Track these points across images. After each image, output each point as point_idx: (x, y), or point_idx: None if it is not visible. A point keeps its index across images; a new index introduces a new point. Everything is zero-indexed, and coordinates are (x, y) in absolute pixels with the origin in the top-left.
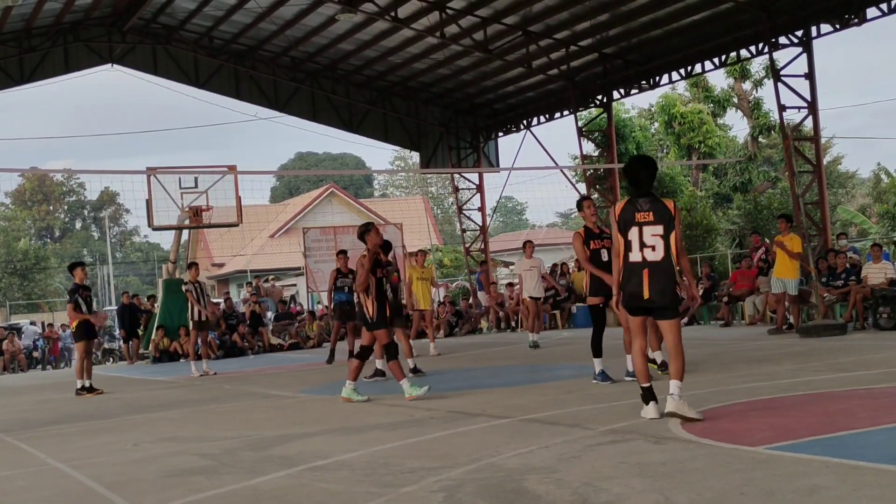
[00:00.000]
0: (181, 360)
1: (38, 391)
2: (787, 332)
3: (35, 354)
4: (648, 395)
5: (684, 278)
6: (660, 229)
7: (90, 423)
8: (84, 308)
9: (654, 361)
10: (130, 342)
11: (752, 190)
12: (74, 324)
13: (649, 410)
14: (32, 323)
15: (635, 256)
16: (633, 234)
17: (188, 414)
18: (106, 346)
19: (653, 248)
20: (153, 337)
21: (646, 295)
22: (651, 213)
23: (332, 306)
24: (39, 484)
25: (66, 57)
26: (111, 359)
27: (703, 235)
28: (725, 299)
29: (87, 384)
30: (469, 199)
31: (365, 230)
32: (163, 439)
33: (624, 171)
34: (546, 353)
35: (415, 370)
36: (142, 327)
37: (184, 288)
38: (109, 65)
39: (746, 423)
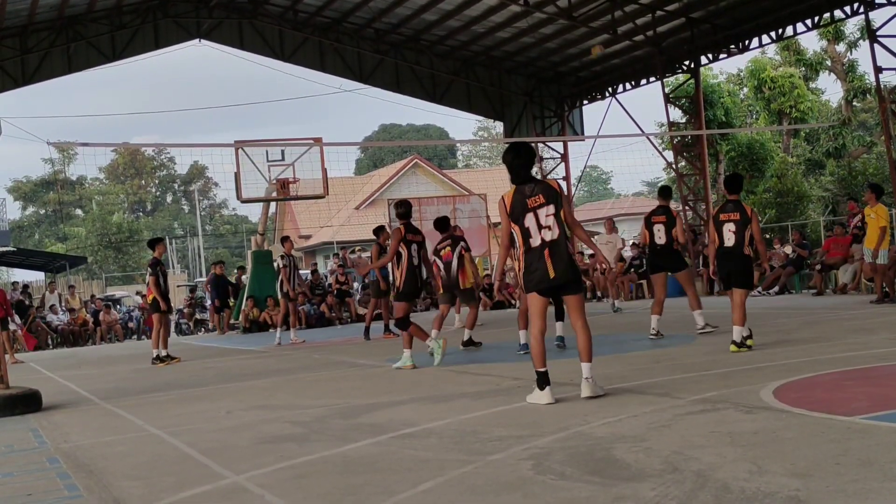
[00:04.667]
0: (270, 331)
1: (133, 360)
2: (887, 301)
3: (130, 325)
4: (543, 381)
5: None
6: (552, 209)
7: (184, 392)
8: (162, 284)
9: (742, 343)
10: (222, 313)
11: (847, 155)
12: (151, 297)
13: (543, 396)
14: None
15: (535, 241)
16: (530, 219)
17: (278, 383)
18: (197, 316)
19: (549, 227)
20: (243, 307)
21: (551, 274)
22: (541, 196)
23: (369, 282)
24: (138, 449)
25: (156, 33)
26: (202, 329)
27: (795, 203)
28: (818, 267)
29: (162, 353)
30: (554, 169)
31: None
32: (254, 407)
33: (503, 161)
34: (632, 322)
35: (469, 342)
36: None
37: (281, 262)
38: (197, 40)
39: (841, 393)
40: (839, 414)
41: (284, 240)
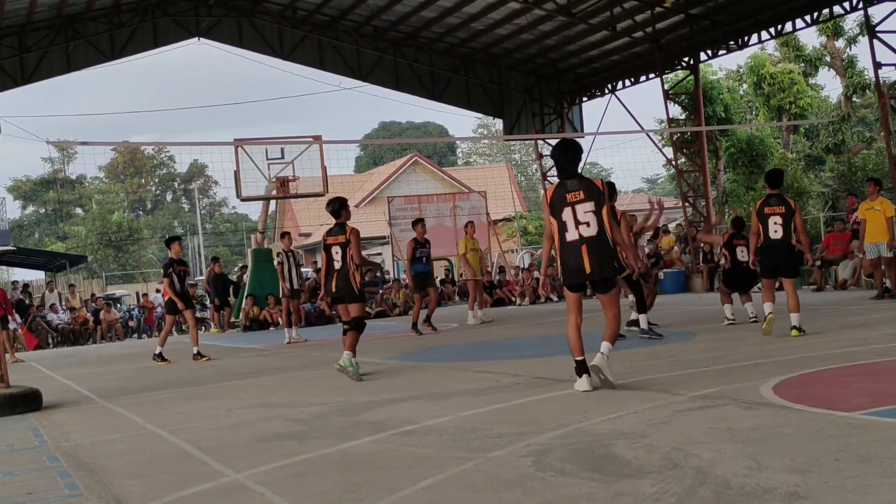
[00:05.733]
0: (271, 329)
1: (134, 359)
2: (888, 297)
3: (131, 324)
4: (581, 369)
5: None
6: (591, 206)
7: (185, 390)
8: (177, 284)
9: (800, 327)
10: (222, 311)
11: (846, 151)
12: (167, 297)
13: (581, 383)
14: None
15: (572, 235)
16: (567, 214)
17: (279, 380)
18: (198, 315)
19: (587, 224)
20: (243, 306)
21: (587, 270)
22: (581, 192)
23: (410, 278)
24: (139, 448)
25: (155, 32)
26: (203, 328)
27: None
28: (818, 263)
29: (157, 351)
30: (553, 166)
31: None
32: (255, 405)
33: (551, 156)
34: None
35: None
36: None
37: (276, 259)
38: (196, 38)
39: (841, 389)
40: (839, 410)
41: (283, 236)
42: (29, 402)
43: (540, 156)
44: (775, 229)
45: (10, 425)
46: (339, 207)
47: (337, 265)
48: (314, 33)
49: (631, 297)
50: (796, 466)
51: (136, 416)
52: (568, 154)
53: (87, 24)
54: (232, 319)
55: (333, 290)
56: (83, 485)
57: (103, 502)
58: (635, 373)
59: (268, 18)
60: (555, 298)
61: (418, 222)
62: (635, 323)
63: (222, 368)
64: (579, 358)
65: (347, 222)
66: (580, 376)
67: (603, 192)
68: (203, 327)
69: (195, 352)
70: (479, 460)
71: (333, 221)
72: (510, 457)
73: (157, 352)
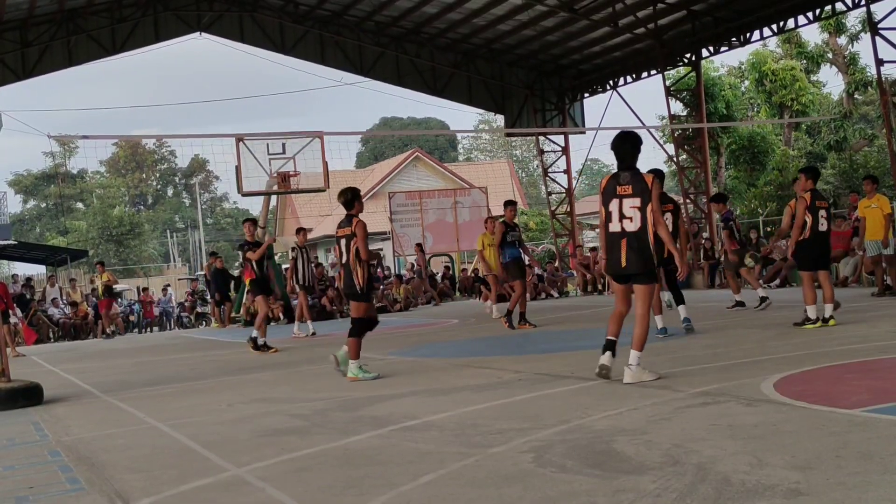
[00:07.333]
0: (272, 324)
1: (134, 354)
2: (888, 295)
3: (131, 318)
4: (606, 346)
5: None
6: (637, 202)
7: (185, 385)
8: (255, 267)
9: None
10: (223, 306)
11: (848, 148)
12: (248, 280)
13: (602, 357)
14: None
15: (615, 227)
16: (614, 205)
17: (280, 376)
18: (199, 309)
19: (630, 219)
20: (244, 301)
21: (623, 263)
22: (630, 187)
23: (502, 264)
24: (139, 442)
25: (156, 26)
26: (203, 322)
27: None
28: None
29: (261, 341)
30: (554, 162)
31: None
32: (255, 400)
33: (611, 147)
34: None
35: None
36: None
37: (290, 254)
38: (198, 33)
39: (842, 386)
40: (840, 407)
41: (298, 231)
42: (30, 396)
43: (541, 151)
44: (822, 223)
45: (11, 419)
46: (351, 198)
47: (343, 258)
48: (316, 28)
49: (668, 296)
50: (797, 463)
51: (137, 410)
52: (626, 144)
53: (88, 18)
54: (232, 314)
55: (341, 285)
56: (84, 479)
57: (104, 496)
58: None
59: (269, 13)
60: (555, 295)
61: (510, 204)
62: (685, 320)
63: (223, 363)
64: (609, 337)
65: (359, 214)
66: (603, 352)
67: (650, 190)
68: (203, 322)
69: (262, 342)
70: (480, 456)
71: (332, 215)
72: (511, 452)
73: (261, 342)
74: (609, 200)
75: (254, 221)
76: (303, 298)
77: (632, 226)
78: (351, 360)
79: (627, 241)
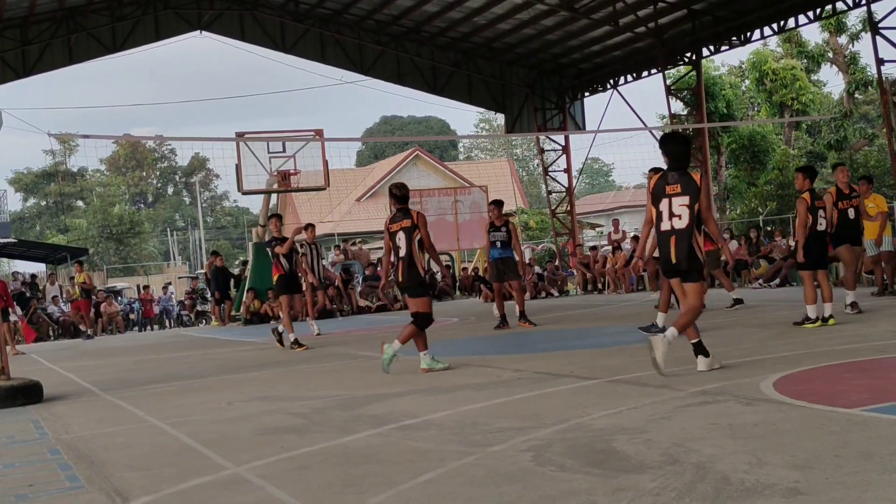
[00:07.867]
0: (272, 322)
1: (134, 352)
2: (888, 294)
3: (131, 316)
4: (696, 350)
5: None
6: (686, 200)
7: (185, 383)
8: (283, 263)
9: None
10: (223, 305)
11: (848, 148)
12: (276, 277)
13: (699, 362)
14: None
15: (665, 225)
16: (664, 205)
17: (280, 374)
18: (198, 308)
19: (679, 217)
20: (244, 299)
21: (673, 259)
22: (679, 186)
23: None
24: (139, 440)
25: (157, 24)
26: (203, 321)
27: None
28: None
29: (290, 338)
30: (555, 161)
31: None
32: (255, 398)
33: (661, 146)
34: (637, 315)
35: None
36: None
37: (300, 250)
38: (198, 32)
39: (841, 385)
40: (839, 406)
41: (307, 227)
42: (30, 394)
43: (541, 150)
44: (821, 222)
45: (11, 417)
46: (407, 192)
47: (402, 252)
48: (316, 27)
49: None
50: (796, 462)
51: (137, 408)
52: (674, 144)
53: (88, 16)
54: (233, 313)
55: (400, 279)
56: (83, 477)
57: (104, 494)
58: (635, 368)
59: (270, 12)
60: (555, 294)
61: (493, 204)
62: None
63: (222, 362)
64: (693, 340)
65: (410, 207)
66: (695, 355)
67: (698, 188)
68: (203, 320)
69: (293, 339)
70: (480, 455)
71: (333, 217)
72: (510, 451)
73: (291, 339)
74: (659, 200)
75: (280, 217)
76: (310, 296)
77: (680, 223)
78: (422, 353)
79: (676, 238)
